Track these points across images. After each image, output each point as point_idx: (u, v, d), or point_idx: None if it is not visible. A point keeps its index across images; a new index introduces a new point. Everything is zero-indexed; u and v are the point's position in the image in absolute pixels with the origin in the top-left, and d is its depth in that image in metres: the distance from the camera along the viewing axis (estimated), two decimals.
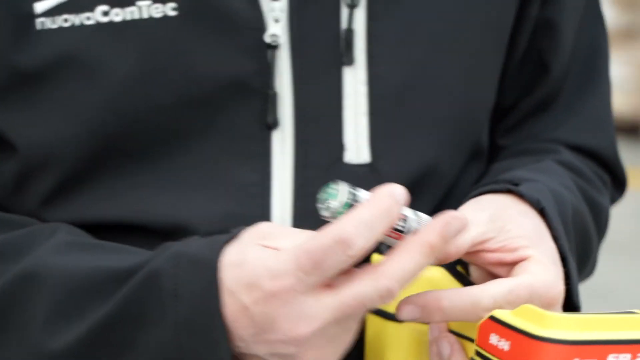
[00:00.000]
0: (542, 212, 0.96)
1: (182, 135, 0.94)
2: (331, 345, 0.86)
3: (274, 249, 0.85)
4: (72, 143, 0.94)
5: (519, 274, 0.91)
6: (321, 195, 0.84)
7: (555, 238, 0.95)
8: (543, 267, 0.91)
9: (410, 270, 0.83)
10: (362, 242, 0.81)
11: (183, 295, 0.85)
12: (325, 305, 0.83)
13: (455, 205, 1.00)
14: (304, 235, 0.85)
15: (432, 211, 0.95)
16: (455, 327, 0.93)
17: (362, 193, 0.84)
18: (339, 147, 0.97)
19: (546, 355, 0.81)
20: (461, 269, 0.98)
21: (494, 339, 0.86)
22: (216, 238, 0.87)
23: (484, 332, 0.87)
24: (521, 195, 0.96)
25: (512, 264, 0.92)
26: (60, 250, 0.92)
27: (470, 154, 1.07)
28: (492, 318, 0.86)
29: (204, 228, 0.93)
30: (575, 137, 1.13)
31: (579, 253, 1.02)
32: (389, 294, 0.82)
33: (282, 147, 0.96)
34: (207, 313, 0.85)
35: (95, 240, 0.94)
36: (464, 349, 0.92)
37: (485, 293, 0.89)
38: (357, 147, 0.98)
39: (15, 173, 0.99)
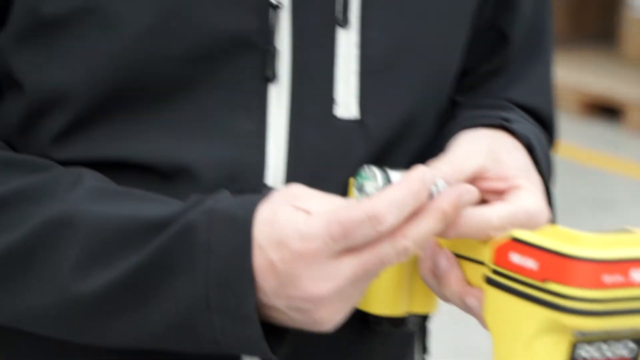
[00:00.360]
0: (529, 149, 1.05)
1: (187, 85, 0.99)
2: (343, 304, 0.93)
3: (305, 210, 0.91)
4: (84, 87, 0.99)
5: (512, 200, 0.98)
6: (358, 180, 0.93)
7: (540, 173, 1.04)
8: (533, 195, 0.99)
9: (425, 232, 0.91)
10: (392, 220, 0.88)
11: (215, 250, 0.91)
12: (347, 264, 0.90)
13: (428, 156, 1.07)
14: (335, 201, 0.93)
15: (411, 162, 1.05)
16: (446, 246, 0.99)
17: (393, 174, 0.93)
18: (331, 102, 1.02)
19: (580, 273, 0.86)
20: None
21: (516, 259, 0.90)
22: (249, 198, 0.94)
23: (503, 252, 0.92)
24: (512, 132, 1.05)
25: (501, 192, 1.00)
26: (93, 198, 0.96)
27: (439, 111, 1.14)
28: (514, 239, 0.91)
29: (205, 172, 0.99)
30: (523, 97, 1.19)
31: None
32: (405, 252, 0.90)
33: (279, 100, 1.00)
34: (238, 269, 0.91)
35: (122, 188, 0.99)
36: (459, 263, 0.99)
37: (494, 213, 0.96)
38: (346, 103, 1.02)
39: (23, 112, 1.03)
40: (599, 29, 7.56)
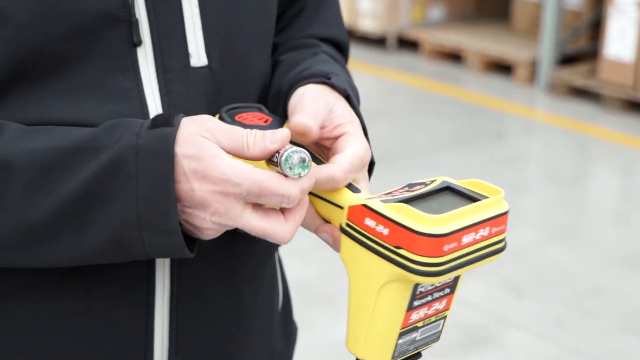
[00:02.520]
0: (347, 98, 1.01)
1: (74, 58, 0.93)
2: (225, 228, 0.90)
3: (214, 138, 0.88)
4: None
5: (344, 146, 0.95)
6: (295, 167, 0.87)
7: (358, 116, 1.00)
8: (359, 139, 0.96)
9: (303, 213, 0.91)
10: (295, 200, 0.88)
11: (143, 179, 0.86)
12: (249, 215, 0.88)
13: (265, 92, 1.08)
14: (233, 133, 0.89)
15: (256, 95, 1.06)
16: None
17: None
18: (186, 55, 0.98)
19: (427, 245, 0.83)
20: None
21: (370, 223, 0.87)
22: (165, 132, 0.87)
23: (357, 213, 0.89)
24: (333, 86, 1.00)
25: (335, 138, 0.96)
26: (21, 138, 0.90)
27: (270, 52, 1.12)
28: (366, 206, 0.87)
29: (102, 123, 0.93)
30: (322, 30, 1.17)
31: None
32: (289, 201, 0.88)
33: (146, 59, 0.96)
34: (163, 193, 0.86)
35: (41, 126, 0.92)
36: (311, 202, 0.95)
37: (336, 170, 0.91)
38: (198, 54, 0.98)
39: None
40: (497, 10, 7.50)
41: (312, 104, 0.96)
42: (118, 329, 0.98)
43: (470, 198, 0.88)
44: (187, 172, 0.86)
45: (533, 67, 6.35)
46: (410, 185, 0.91)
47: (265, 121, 0.98)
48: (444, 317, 0.93)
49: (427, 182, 0.91)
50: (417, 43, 7.06)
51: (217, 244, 0.98)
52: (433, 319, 0.92)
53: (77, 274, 0.95)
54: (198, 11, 0.98)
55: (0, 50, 0.90)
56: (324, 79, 1.00)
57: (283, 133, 0.88)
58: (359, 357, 0.91)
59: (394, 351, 0.90)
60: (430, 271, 0.83)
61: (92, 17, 0.91)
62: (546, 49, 6.22)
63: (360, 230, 0.88)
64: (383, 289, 0.87)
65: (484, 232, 0.86)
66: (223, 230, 0.90)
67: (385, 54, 7.11)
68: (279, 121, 0.98)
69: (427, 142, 5.27)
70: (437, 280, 0.85)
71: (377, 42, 7.24)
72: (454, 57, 6.80)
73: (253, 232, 0.89)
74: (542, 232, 4.20)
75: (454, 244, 0.84)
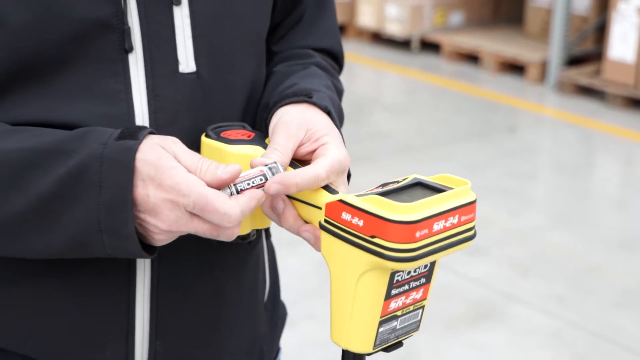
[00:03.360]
0: (328, 113, 0.98)
1: (68, 61, 0.91)
2: (175, 235, 0.89)
3: (179, 160, 0.87)
4: None
5: (324, 153, 0.92)
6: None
7: (338, 129, 0.99)
8: (337, 147, 0.93)
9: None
10: (235, 221, 0.86)
11: (105, 187, 0.85)
12: (195, 224, 0.87)
13: (257, 99, 1.04)
14: (194, 158, 0.88)
15: (243, 101, 1.02)
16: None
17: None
18: (175, 62, 0.95)
19: (399, 232, 0.81)
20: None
21: (346, 216, 0.85)
22: (129, 144, 0.86)
23: (333, 209, 0.86)
24: (314, 103, 0.98)
25: (316, 150, 0.94)
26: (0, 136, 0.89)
27: (260, 60, 1.08)
28: (341, 201, 0.86)
29: (91, 125, 0.92)
30: (318, 42, 1.13)
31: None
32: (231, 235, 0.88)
33: (136, 64, 0.93)
34: (122, 202, 0.85)
35: (15, 127, 0.91)
36: (294, 205, 0.92)
37: (320, 169, 0.89)
38: (187, 61, 0.96)
39: None
40: (511, 15, 7.44)
41: (285, 132, 0.93)
42: (100, 315, 0.98)
43: (440, 190, 0.86)
44: (145, 179, 0.85)
45: (543, 68, 6.35)
46: (384, 184, 0.90)
47: (249, 136, 0.96)
48: (422, 307, 0.91)
49: (400, 180, 0.90)
50: (439, 45, 7.06)
51: (197, 237, 0.94)
52: (411, 308, 0.90)
53: (63, 263, 0.94)
54: (189, 21, 0.96)
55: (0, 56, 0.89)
56: (306, 98, 0.98)
57: (234, 167, 0.87)
58: (343, 347, 0.89)
59: (375, 340, 0.88)
60: (405, 257, 0.82)
61: (87, 23, 0.90)
62: (555, 51, 6.22)
63: (337, 225, 0.86)
64: (361, 279, 0.85)
65: (453, 220, 0.84)
66: (174, 237, 0.89)
67: (410, 55, 7.12)
68: (260, 136, 0.97)
69: (446, 135, 5.28)
70: (412, 266, 0.83)
71: (402, 44, 7.25)
72: (472, 58, 6.81)
73: (202, 235, 0.88)
74: (548, 217, 4.20)
75: (425, 231, 0.82)
